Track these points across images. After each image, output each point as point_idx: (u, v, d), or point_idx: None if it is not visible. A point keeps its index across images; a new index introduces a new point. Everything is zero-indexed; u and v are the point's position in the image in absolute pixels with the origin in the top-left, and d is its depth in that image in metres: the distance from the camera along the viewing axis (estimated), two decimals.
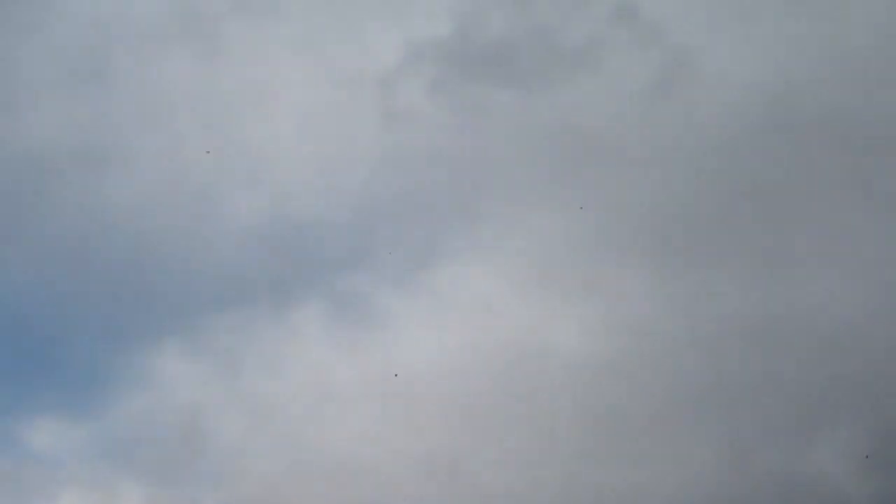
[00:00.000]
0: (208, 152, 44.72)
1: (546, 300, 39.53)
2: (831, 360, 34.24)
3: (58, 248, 44.46)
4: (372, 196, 44.63)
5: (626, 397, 35.87)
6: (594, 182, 41.20)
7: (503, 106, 42.89)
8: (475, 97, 43.29)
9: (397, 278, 44.46)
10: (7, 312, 43.71)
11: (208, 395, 41.04)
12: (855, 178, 38.02)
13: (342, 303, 43.67)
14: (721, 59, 40.51)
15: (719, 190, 39.03)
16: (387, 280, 43.81)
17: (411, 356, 39.64)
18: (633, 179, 40.20)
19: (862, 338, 34.11)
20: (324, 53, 46.74)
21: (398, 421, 38.02)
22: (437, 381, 38.46)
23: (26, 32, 44.84)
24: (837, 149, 37.95)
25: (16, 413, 40.75)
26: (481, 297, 40.65)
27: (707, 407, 34.93)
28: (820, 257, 37.11)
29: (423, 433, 37.18)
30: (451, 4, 44.11)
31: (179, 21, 47.18)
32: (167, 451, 38.93)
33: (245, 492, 36.43)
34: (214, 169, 46.20)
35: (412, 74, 43.56)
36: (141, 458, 39.36)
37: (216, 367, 42.76)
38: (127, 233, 44.83)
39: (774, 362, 35.13)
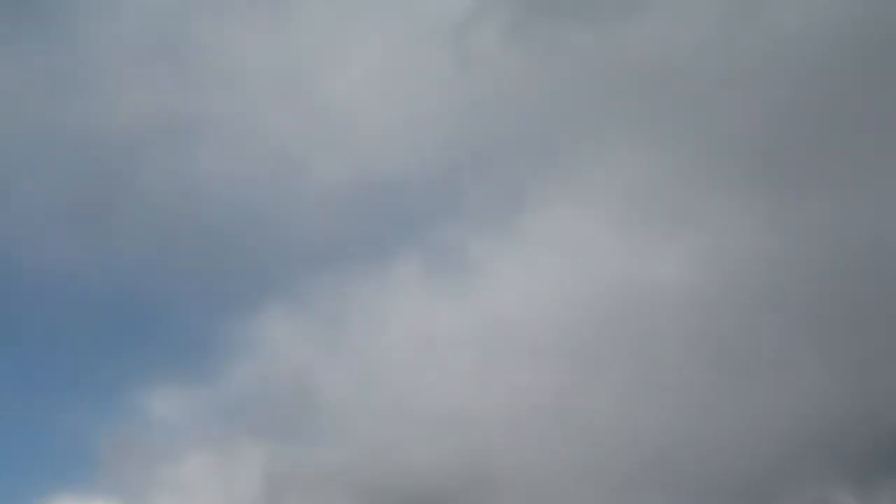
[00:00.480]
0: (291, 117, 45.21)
1: (643, 236, 38.97)
2: None
3: (156, 223, 45.35)
4: (457, 146, 44.35)
5: (734, 330, 35.18)
6: (684, 112, 39.87)
7: (581, 44, 41.67)
8: (551, 38, 42.34)
9: (489, 226, 44.33)
10: (117, 290, 44.94)
11: (315, 354, 41.76)
12: None
13: (437, 255, 43.79)
14: None
15: (819, 111, 37.41)
16: (479, 228, 43.69)
17: (510, 302, 39.57)
18: (725, 105, 38.81)
19: None
20: (395, 7, 46.38)
21: (502, 367, 38.02)
22: (538, 325, 38.15)
23: (106, 11, 45.29)
24: None
25: (137, 384, 42.06)
26: (576, 238, 40.28)
27: (821, 333, 34.04)
28: None
29: (528, 377, 36.94)
30: None
31: None
32: (282, 410, 39.86)
33: (359, 444, 36.99)
34: (299, 133, 46.58)
35: (486, 20, 42.54)
36: (257, 418, 40.37)
37: (320, 326, 43.43)
38: (221, 202, 45.48)
39: (885, 282, 34.03)
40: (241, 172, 45.66)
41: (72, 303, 44.28)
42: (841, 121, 37.13)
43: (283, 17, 46.96)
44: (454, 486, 34.05)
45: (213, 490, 37.87)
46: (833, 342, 33.19)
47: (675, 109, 40.15)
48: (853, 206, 36.01)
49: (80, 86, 44.51)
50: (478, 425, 36.11)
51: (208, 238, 45.75)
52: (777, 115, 37.33)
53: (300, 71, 46.83)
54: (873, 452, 29.86)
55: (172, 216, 45.10)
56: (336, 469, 35.73)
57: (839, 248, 34.56)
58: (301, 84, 46.94)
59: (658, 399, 34.75)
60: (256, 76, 46.86)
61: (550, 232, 40.81)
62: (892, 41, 36.11)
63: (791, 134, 37.92)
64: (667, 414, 33.98)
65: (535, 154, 44.25)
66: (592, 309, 37.50)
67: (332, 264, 44.99)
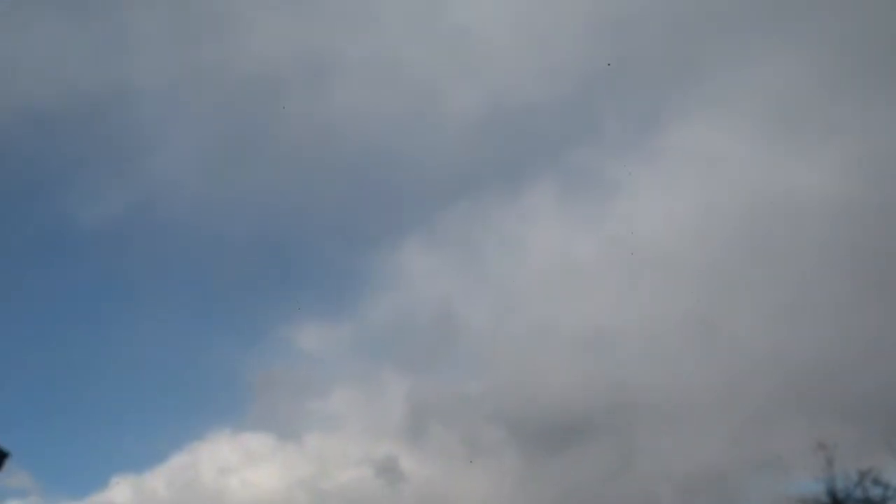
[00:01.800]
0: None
1: (790, 146, 36.93)
2: None
3: (295, 162, 46.30)
4: (588, 68, 42.80)
5: (882, 239, 32.40)
6: (836, 9, 37.03)
7: None
8: None
9: (625, 147, 43.01)
10: (260, 231, 46.54)
11: (455, 285, 42.04)
12: None
13: (572, 179, 42.99)
14: None
15: None
16: (615, 150, 42.45)
17: (649, 222, 38.31)
18: (878, 6, 35.63)
19: None
20: None
21: (643, 289, 36.94)
22: (679, 245, 36.89)
23: None
24: None
25: (285, 322, 43.62)
26: (717, 153, 38.24)
27: None
28: None
29: (670, 298, 35.89)
30: None
31: None
32: (423, 341, 40.42)
33: (503, 374, 36.91)
34: (431, 64, 46.25)
35: None
36: (400, 350, 41.12)
37: (459, 257, 43.60)
38: (357, 138, 45.91)
39: None
40: (375, 107, 45.92)
41: (216, 245, 46.15)
42: None
43: None
44: (595, 412, 33.41)
45: (360, 420, 38.77)
46: None
47: (825, 6, 37.51)
48: None
49: (215, 29, 45.65)
50: (619, 350, 35.39)
51: (345, 174, 46.58)
52: None
53: (430, 1, 46.51)
54: None
55: (310, 154, 45.93)
56: (477, 396, 35.74)
57: None
58: (431, 14, 46.59)
59: (805, 319, 32.92)
60: (386, 10, 46.55)
61: (690, 148, 39.10)
62: None
63: None
64: (814, 334, 31.94)
65: (670, 68, 42.43)
66: (736, 226, 36.05)
67: (467, 194, 45.09)
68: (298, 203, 46.81)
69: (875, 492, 19.46)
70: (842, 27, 36.34)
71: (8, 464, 16.99)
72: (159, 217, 47.30)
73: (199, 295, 45.95)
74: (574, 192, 42.59)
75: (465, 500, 33.14)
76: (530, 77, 44.33)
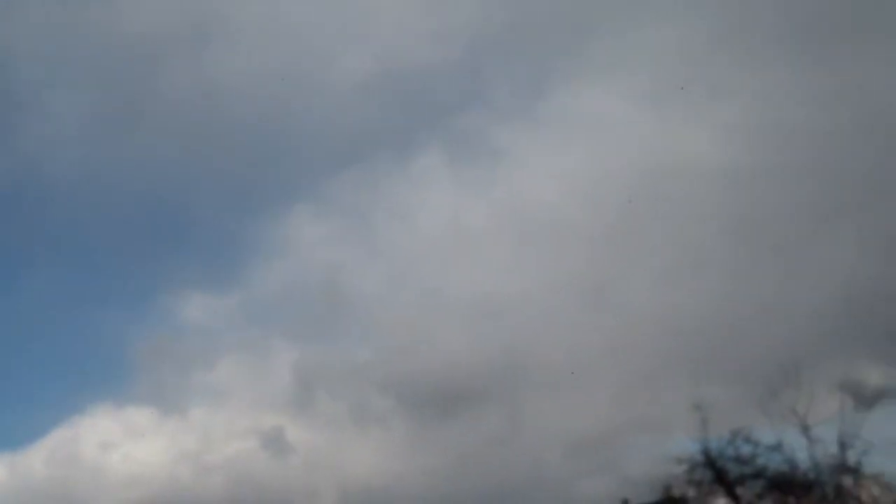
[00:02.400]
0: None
1: (675, 110, 37.23)
2: None
3: (178, 128, 45.32)
4: (479, 32, 42.59)
5: (770, 201, 33.08)
6: None
7: None
8: None
9: (514, 112, 42.93)
10: (145, 195, 45.11)
11: (344, 253, 41.73)
12: None
13: (462, 144, 42.87)
14: None
15: None
16: (504, 115, 42.41)
17: (538, 187, 38.38)
18: None
19: None
20: None
21: (535, 254, 37.19)
22: (570, 209, 37.08)
23: None
24: None
25: (169, 290, 42.57)
26: (605, 117, 38.38)
27: (857, 203, 31.62)
28: None
29: (562, 262, 36.03)
30: None
31: None
32: (312, 311, 40.04)
33: (392, 342, 36.61)
34: (319, 25, 45.29)
35: None
36: (288, 319, 40.69)
37: (348, 224, 43.10)
38: (241, 103, 45.16)
39: None
40: (263, 69, 44.86)
41: (101, 209, 44.64)
42: None
43: None
44: (484, 378, 33.34)
45: (247, 392, 38.32)
46: (866, 215, 30.93)
47: None
48: (886, 73, 33.22)
49: None
50: (509, 315, 35.44)
51: (233, 139, 45.60)
52: None
53: None
54: None
55: (197, 118, 44.90)
56: (365, 364, 35.49)
57: (879, 117, 31.97)
58: None
59: (691, 282, 33.18)
60: None
61: (577, 112, 39.11)
62: None
63: (837, 4, 35.17)
64: (699, 298, 32.28)
65: (557, 32, 42.34)
66: (623, 191, 35.75)
67: (356, 161, 44.53)
68: (185, 168, 45.62)
69: (745, 449, 20.01)
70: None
71: None
72: (39, 181, 45.53)
73: (80, 262, 44.55)
74: (463, 158, 42.65)
75: (354, 469, 32.83)
76: (419, 40, 44.08)
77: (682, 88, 37.68)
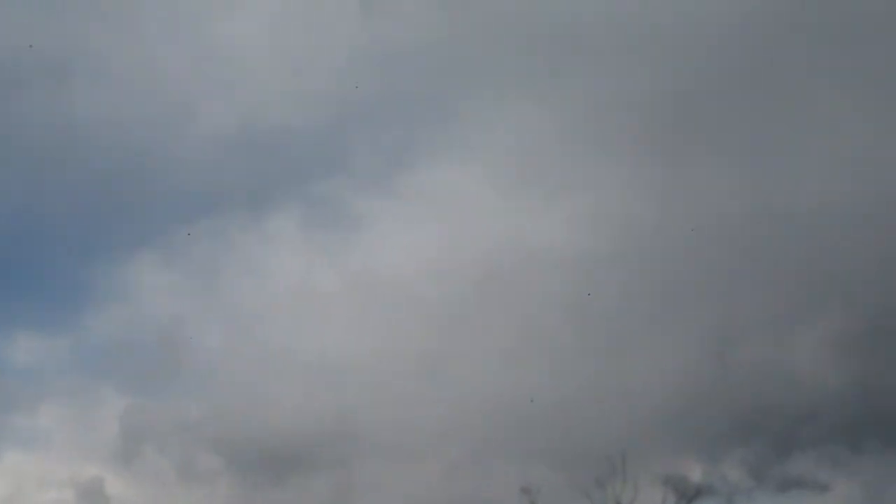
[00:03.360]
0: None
1: (528, 197, 38.79)
2: (809, 253, 33.60)
3: (29, 164, 43.59)
4: (347, 98, 43.23)
5: (611, 292, 35.18)
6: (576, 78, 39.73)
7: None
8: None
9: (374, 181, 43.67)
10: None
11: (188, 305, 40.75)
12: (831, 71, 36.64)
13: (319, 208, 43.03)
14: None
15: (703, 86, 37.65)
16: (363, 183, 43.07)
17: (391, 259, 39.04)
18: (621, 74, 38.68)
19: (838, 230, 33.38)
20: None
21: (380, 323, 37.62)
22: (419, 283, 37.86)
23: None
24: (812, 44, 36.58)
25: None
26: (461, 197, 39.94)
27: (692, 300, 34.54)
28: (795, 150, 36.12)
29: (406, 334, 36.67)
30: None
31: None
32: (148, 362, 38.57)
33: (228, 400, 35.75)
34: (187, 78, 44.94)
35: None
36: (121, 368, 39.15)
37: (194, 276, 42.33)
38: (100, 145, 43.94)
39: (756, 257, 34.63)
40: (124, 114, 44.14)
41: None
42: (726, 97, 37.58)
43: None
44: (318, 443, 33.61)
45: (69, 440, 36.88)
46: (697, 311, 33.55)
47: (571, 74, 39.99)
48: (731, 179, 36.40)
49: None
50: (349, 382, 35.53)
51: (84, 181, 44.28)
52: (668, 87, 37.44)
53: (194, 12, 44.94)
54: (721, 427, 30.13)
55: (48, 156, 43.57)
56: (197, 422, 34.82)
57: (714, 217, 34.95)
58: (193, 25, 45.09)
59: (524, 364, 34.50)
60: (146, 14, 44.78)
61: (433, 190, 40.51)
62: (779, 28, 36.44)
63: (679, 106, 38.07)
64: (531, 380, 33.54)
65: (424, 109, 43.76)
66: (471, 269, 37.14)
67: (210, 213, 43.93)
68: (30, 207, 43.80)
69: None
70: (577, 96, 38.92)
71: None
72: None
73: None
74: (319, 222, 42.79)
75: None
76: (286, 103, 44.25)
77: (531, 178, 39.43)
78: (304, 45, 44.55)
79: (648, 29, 38.07)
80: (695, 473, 23.99)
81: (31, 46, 41.06)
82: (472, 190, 39.38)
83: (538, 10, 39.33)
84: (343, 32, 42.81)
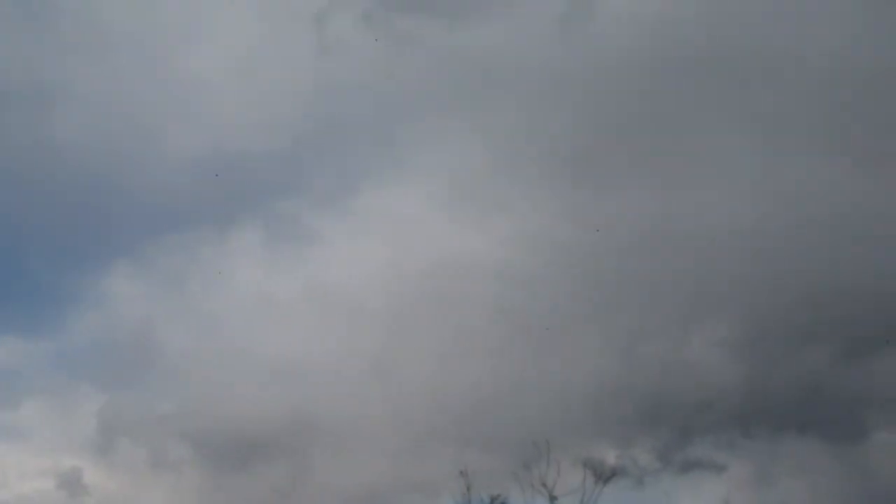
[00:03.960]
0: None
1: (464, 217, 42.58)
2: (704, 266, 37.83)
3: (9, 180, 45.87)
4: (304, 126, 46.56)
5: (534, 300, 38.87)
6: (507, 110, 43.32)
7: (428, 38, 43.97)
8: (405, 30, 43.84)
9: (327, 202, 46.76)
10: None
11: (157, 310, 43.50)
12: (730, 108, 40.78)
13: (278, 225, 45.88)
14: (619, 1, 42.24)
15: (622, 121, 41.62)
16: (318, 203, 46.16)
17: (342, 270, 42.55)
18: (542, 108, 42.58)
19: (730, 246, 37.61)
20: None
21: (333, 327, 41.00)
22: (367, 292, 41.24)
23: None
24: (717, 82, 40.74)
25: None
26: (404, 216, 43.61)
27: (607, 306, 38.36)
28: (698, 175, 40.51)
29: (356, 337, 39.96)
30: None
31: None
32: (121, 362, 41.33)
33: (196, 395, 38.79)
34: (157, 103, 47.89)
35: (346, 9, 44.09)
36: (97, 368, 41.69)
37: (163, 285, 44.95)
38: (75, 164, 46.66)
39: (661, 269, 38.40)
40: (98, 137, 46.96)
41: None
42: (641, 131, 41.68)
43: None
44: (277, 434, 36.41)
45: (49, 433, 39.26)
46: (606, 317, 37.34)
47: (505, 106, 43.50)
48: (643, 203, 40.29)
49: None
50: (305, 378, 38.89)
51: (61, 196, 46.68)
52: (591, 121, 41.28)
53: (163, 43, 48.24)
54: (631, 416, 33.45)
55: (28, 173, 45.95)
56: (168, 415, 37.54)
57: (624, 239, 38.81)
58: (163, 56, 48.35)
59: (461, 362, 38.16)
60: (119, 45, 47.92)
61: (381, 208, 44.07)
62: (708, 54, 40.34)
63: (600, 138, 41.89)
64: (467, 376, 37.20)
65: (374, 139, 47.31)
66: (413, 281, 40.85)
67: (178, 228, 46.44)
68: (13, 218, 46.15)
69: None
70: (508, 126, 42.96)
71: None
72: None
73: None
74: (278, 237, 45.59)
75: None
76: (250, 129, 47.19)
77: (468, 199, 43.09)
78: (266, 77, 47.79)
79: (573, 68, 41.92)
80: (610, 457, 25.79)
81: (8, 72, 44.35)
82: (413, 210, 43.17)
83: (470, 52, 42.78)
84: (301, 67, 46.21)
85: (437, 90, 44.91)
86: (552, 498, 22.38)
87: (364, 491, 33.67)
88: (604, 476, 22.52)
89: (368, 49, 43.33)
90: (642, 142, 41.90)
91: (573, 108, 42.33)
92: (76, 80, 46.93)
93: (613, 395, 34.24)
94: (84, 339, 42.11)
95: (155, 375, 41.15)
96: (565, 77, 42.17)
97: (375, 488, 33.79)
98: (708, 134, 40.72)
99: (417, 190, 43.34)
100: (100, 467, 36.52)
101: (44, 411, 39.90)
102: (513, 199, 41.84)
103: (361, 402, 36.90)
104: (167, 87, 47.92)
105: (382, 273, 41.31)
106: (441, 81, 44.79)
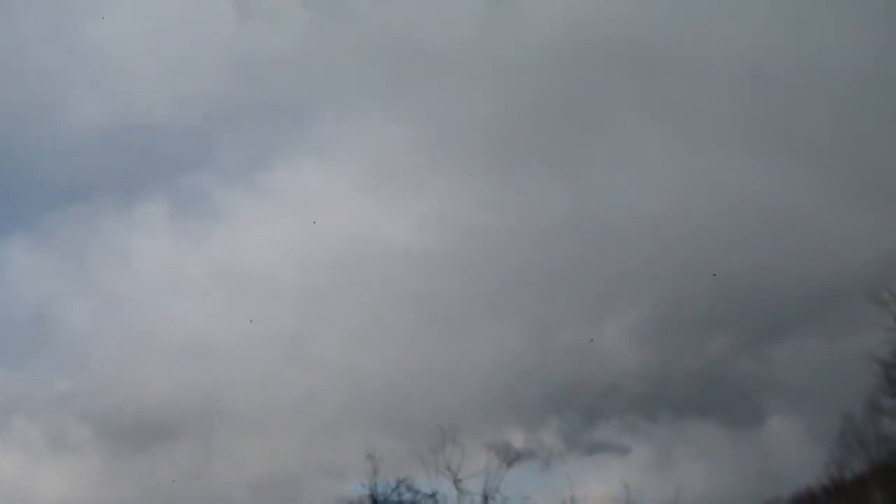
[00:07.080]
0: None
1: (380, 199, 40.87)
2: (618, 255, 37.08)
3: None
4: (218, 99, 44.36)
5: (450, 285, 38.03)
6: (435, 94, 42.15)
7: (358, 13, 42.27)
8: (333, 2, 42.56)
9: (238, 178, 44.84)
10: None
11: (56, 285, 41.05)
12: (644, 101, 40.35)
13: (186, 200, 43.71)
14: None
15: (539, 110, 40.81)
16: (228, 179, 44.18)
17: (254, 249, 40.80)
18: (462, 96, 41.39)
19: (641, 236, 37.07)
20: None
21: (243, 307, 38.40)
22: (278, 272, 39.56)
23: None
24: (632, 75, 40.18)
25: None
26: (319, 195, 41.65)
27: (518, 293, 37.46)
28: (613, 167, 39.52)
29: (267, 318, 37.63)
30: None
31: None
32: (17, 338, 38.72)
33: (97, 375, 36.68)
34: (60, 70, 44.82)
35: None
36: None
37: (63, 259, 42.34)
38: None
39: (573, 258, 37.62)
40: None
41: None
42: (551, 113, 40.81)
43: None
44: (184, 416, 34.89)
45: None
46: (521, 303, 36.74)
47: (427, 90, 42.36)
48: (558, 192, 39.76)
49: None
50: (213, 360, 36.94)
51: None
52: (508, 110, 40.44)
53: (71, 10, 45.50)
54: (539, 400, 33.16)
55: None
56: (68, 394, 35.42)
57: (540, 227, 38.18)
58: (67, 21, 45.48)
59: (374, 344, 36.82)
60: (19, 9, 44.83)
61: (294, 186, 42.13)
62: (632, 43, 39.34)
63: (517, 127, 41.08)
64: (379, 358, 36.00)
65: (286, 112, 45.27)
66: (327, 262, 39.30)
67: (79, 199, 43.94)
68: None
69: (407, 496, 23.50)
70: (428, 110, 42.01)
71: None
72: None
73: None
74: (186, 213, 43.44)
75: (46, 496, 32.56)
76: (160, 102, 44.78)
77: (385, 180, 41.56)
78: (179, 46, 45.19)
79: (496, 52, 40.99)
80: (517, 440, 26.37)
81: None
82: (329, 189, 41.34)
83: (394, 32, 41.48)
84: (216, 36, 43.89)
85: (356, 71, 43.28)
86: (457, 481, 22.83)
87: (273, 474, 32.75)
88: (509, 459, 23.17)
89: (289, 23, 41.67)
90: (560, 131, 41.43)
91: (494, 96, 41.61)
92: None
93: (525, 380, 34.12)
94: None
95: (53, 353, 39.00)
96: (489, 61, 41.31)
97: (284, 472, 32.89)
98: (623, 125, 40.42)
99: (335, 169, 41.91)
100: None
101: None
102: (432, 184, 40.58)
103: (271, 385, 35.55)
104: (73, 55, 45.18)
105: (295, 253, 39.79)
106: (363, 63, 43.17)
